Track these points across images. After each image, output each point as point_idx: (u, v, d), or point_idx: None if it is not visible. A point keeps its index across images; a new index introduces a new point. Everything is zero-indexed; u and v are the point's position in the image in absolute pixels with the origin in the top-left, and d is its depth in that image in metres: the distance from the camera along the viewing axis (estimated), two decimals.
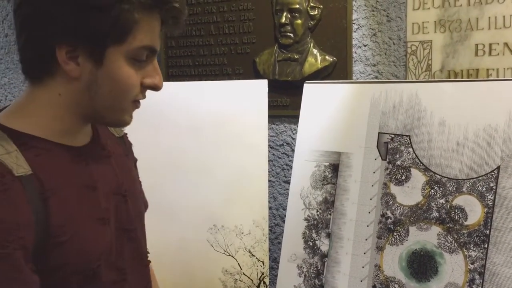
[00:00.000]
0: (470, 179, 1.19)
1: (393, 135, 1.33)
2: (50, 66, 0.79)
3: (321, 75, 1.70)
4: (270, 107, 1.65)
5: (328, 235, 1.40)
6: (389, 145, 1.33)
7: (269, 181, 1.84)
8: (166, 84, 0.89)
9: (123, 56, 0.79)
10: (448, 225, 1.20)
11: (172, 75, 1.95)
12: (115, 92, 0.81)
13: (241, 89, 1.58)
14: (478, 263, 1.15)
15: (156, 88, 0.85)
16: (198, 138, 1.57)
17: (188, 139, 1.57)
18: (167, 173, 1.56)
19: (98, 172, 0.86)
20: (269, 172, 1.84)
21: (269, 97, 1.58)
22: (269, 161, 1.83)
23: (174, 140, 1.57)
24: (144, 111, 0.88)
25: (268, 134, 1.82)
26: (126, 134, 1.04)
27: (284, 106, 1.80)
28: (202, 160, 1.56)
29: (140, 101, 0.86)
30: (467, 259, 1.16)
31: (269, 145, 1.83)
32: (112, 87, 0.80)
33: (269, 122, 1.63)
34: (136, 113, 0.87)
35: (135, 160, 1.05)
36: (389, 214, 1.30)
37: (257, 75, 1.78)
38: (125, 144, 1.03)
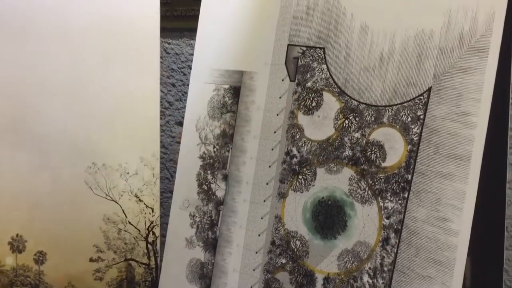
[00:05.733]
0: (393, 105, 0.88)
1: (304, 48, 1.00)
2: None
3: None
4: (164, 17, 1.32)
5: (225, 178, 1.11)
6: (299, 61, 1.01)
7: None
8: None
9: None
10: (362, 166, 0.90)
11: None
12: None
13: None
14: (395, 218, 0.86)
15: None
16: (72, 53, 1.23)
17: (60, 53, 1.23)
18: (33, 99, 1.23)
19: None
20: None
21: (164, 6, 1.23)
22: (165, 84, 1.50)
23: (41, 56, 1.23)
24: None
25: (163, 50, 1.48)
26: None
27: (182, 17, 1.44)
28: (78, 81, 1.23)
29: None
30: (382, 211, 0.87)
31: (166, 66, 1.49)
32: None
33: (164, 37, 1.30)
34: None
35: None
36: (294, 151, 1.00)
37: None
38: None
